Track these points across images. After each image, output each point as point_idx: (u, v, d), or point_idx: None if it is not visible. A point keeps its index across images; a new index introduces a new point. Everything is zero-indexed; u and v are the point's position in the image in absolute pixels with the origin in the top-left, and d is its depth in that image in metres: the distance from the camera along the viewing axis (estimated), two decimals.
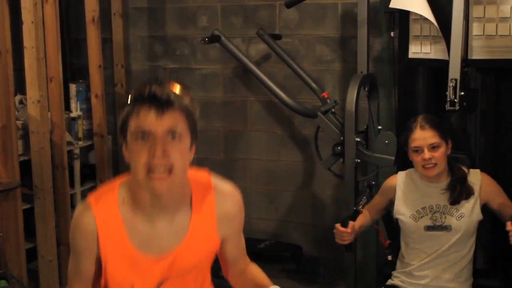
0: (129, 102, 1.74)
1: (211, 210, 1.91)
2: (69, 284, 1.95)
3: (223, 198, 1.94)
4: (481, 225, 2.84)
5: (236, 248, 2.06)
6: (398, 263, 2.96)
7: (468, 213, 2.80)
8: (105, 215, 1.82)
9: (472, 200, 2.82)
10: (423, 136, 2.77)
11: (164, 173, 1.70)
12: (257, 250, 3.98)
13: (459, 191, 2.80)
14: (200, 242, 1.91)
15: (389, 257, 3.12)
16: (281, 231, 4.35)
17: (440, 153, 2.76)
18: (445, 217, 2.81)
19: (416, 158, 2.79)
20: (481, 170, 2.91)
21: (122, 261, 1.84)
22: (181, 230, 1.87)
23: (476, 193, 2.82)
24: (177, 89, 1.75)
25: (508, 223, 2.56)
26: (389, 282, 2.97)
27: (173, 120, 1.71)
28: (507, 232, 2.50)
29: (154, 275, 1.87)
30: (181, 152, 1.73)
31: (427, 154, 2.74)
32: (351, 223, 2.81)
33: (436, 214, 2.83)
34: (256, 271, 2.12)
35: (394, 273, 2.96)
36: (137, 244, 1.84)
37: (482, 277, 3.00)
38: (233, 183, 2.00)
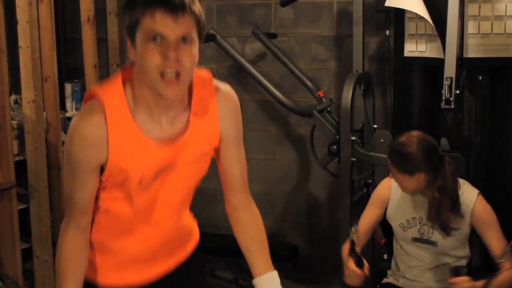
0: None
1: (213, 107, 1.92)
2: (69, 202, 1.90)
3: (224, 97, 1.95)
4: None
5: (237, 159, 2.03)
6: (393, 263, 2.96)
7: (456, 231, 2.74)
8: (114, 107, 1.79)
9: (460, 220, 2.73)
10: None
11: (175, 77, 1.72)
12: None
13: (443, 221, 2.70)
14: (201, 136, 1.91)
15: (385, 256, 3.12)
16: (277, 230, 4.35)
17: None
18: (433, 232, 2.76)
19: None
20: (476, 169, 2.89)
21: (133, 152, 1.82)
22: (182, 125, 1.88)
23: (468, 214, 2.72)
24: None
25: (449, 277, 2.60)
26: (385, 280, 2.98)
27: (187, 25, 1.71)
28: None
29: (159, 159, 1.86)
30: (191, 56, 1.74)
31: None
32: (366, 263, 2.63)
33: (424, 227, 2.78)
34: (261, 236, 2.13)
35: (390, 271, 2.97)
36: (147, 134, 1.83)
37: (477, 276, 3.00)
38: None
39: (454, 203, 2.70)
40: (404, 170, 2.64)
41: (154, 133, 1.84)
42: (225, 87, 1.98)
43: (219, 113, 1.93)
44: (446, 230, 2.70)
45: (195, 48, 1.76)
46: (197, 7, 1.75)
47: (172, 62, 1.70)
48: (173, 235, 2.03)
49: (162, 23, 1.69)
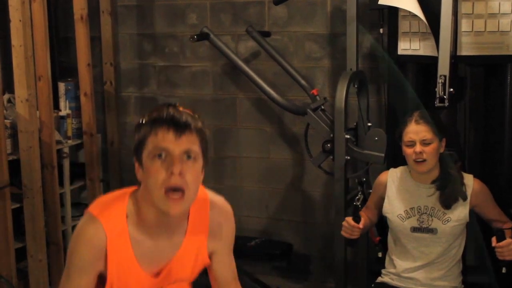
0: (144, 122, 1.81)
1: (204, 224, 1.98)
2: None
3: (216, 212, 2.00)
4: (470, 222, 2.85)
5: (227, 268, 2.10)
6: (387, 261, 2.97)
7: (455, 217, 2.80)
8: (114, 230, 1.84)
9: (460, 205, 2.81)
10: (416, 130, 2.78)
11: (179, 195, 1.77)
12: (247, 248, 3.97)
13: (449, 193, 2.80)
14: (191, 255, 1.97)
15: (379, 254, 3.12)
16: (271, 229, 4.35)
17: (431, 149, 2.76)
18: (432, 219, 2.81)
19: (408, 151, 2.80)
20: (470, 166, 2.91)
21: (127, 278, 1.87)
22: (176, 243, 1.93)
23: (468, 197, 2.82)
24: (191, 113, 1.83)
25: (493, 239, 2.61)
26: (379, 279, 2.98)
27: (189, 141, 1.78)
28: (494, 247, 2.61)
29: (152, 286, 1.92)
30: (195, 172, 1.81)
31: (418, 147, 2.76)
32: (363, 219, 2.78)
33: (423, 216, 2.83)
34: None
35: (384, 271, 2.97)
36: (141, 260, 1.88)
37: (472, 274, 3.01)
38: (224, 197, 2.05)
39: (460, 188, 2.82)
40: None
41: (151, 261, 1.89)
42: (219, 201, 2.03)
43: (210, 229, 1.99)
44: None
45: (199, 165, 1.82)
46: (200, 126, 1.82)
47: (176, 176, 1.75)
48: None
49: (167, 139, 1.76)
